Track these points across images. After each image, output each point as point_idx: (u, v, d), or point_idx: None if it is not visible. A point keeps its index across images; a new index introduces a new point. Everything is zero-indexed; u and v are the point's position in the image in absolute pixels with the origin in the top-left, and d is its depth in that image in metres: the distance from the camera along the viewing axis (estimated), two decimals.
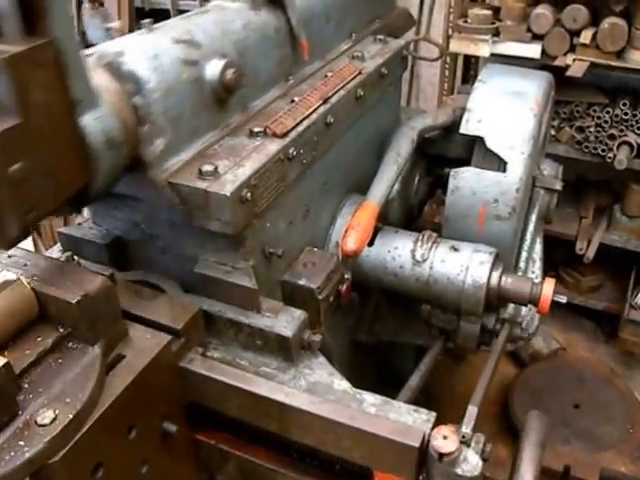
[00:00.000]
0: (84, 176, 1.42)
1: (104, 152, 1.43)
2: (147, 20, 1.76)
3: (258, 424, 1.59)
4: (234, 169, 1.60)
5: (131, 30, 5.25)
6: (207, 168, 1.56)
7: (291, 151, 1.75)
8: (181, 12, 6.13)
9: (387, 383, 2.64)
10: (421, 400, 2.15)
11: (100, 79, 1.48)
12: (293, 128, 1.79)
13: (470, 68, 4.57)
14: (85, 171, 1.41)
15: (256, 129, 1.76)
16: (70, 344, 1.41)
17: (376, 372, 2.90)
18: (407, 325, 2.64)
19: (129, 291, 1.63)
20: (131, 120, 1.51)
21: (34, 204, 1.29)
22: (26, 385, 1.31)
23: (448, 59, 4.18)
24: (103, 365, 1.39)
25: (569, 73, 3.43)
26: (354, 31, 2.50)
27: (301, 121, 1.84)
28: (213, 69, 1.70)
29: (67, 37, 1.30)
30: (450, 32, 3.92)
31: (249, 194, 1.57)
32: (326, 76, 2.12)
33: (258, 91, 1.94)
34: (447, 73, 4.18)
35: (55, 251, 1.93)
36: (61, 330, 1.40)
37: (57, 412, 1.26)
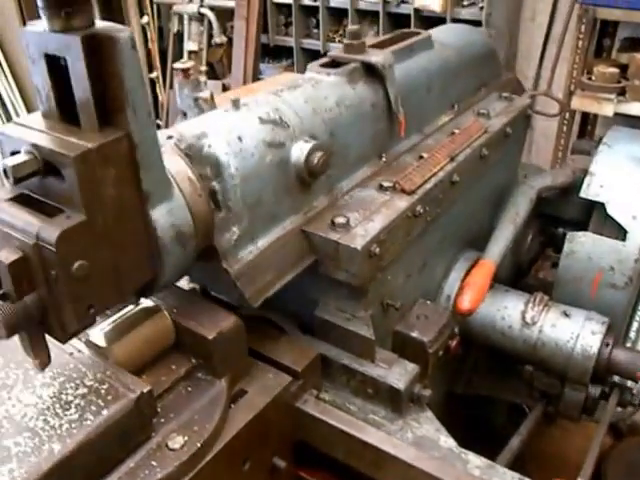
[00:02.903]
0: (150, 272, 1.37)
1: (173, 247, 1.38)
2: (235, 97, 1.69)
3: (363, 470, 1.63)
4: (364, 223, 1.66)
5: (255, 65, 5.48)
6: (340, 220, 1.64)
7: (418, 208, 1.80)
8: (304, 50, 6.37)
9: (476, 433, 2.64)
10: None
11: (176, 166, 1.44)
12: (421, 185, 1.85)
13: (587, 123, 4.52)
14: (152, 266, 1.36)
15: (385, 184, 1.82)
16: (200, 374, 1.51)
17: (465, 422, 2.89)
18: (506, 382, 2.63)
19: (253, 328, 1.71)
20: (204, 209, 1.46)
21: (95, 301, 1.26)
22: (159, 409, 1.41)
23: (567, 115, 4.15)
24: (228, 398, 1.48)
25: None
26: (457, 101, 2.40)
27: (429, 178, 1.89)
28: (299, 152, 1.63)
29: (143, 130, 1.26)
30: (572, 88, 3.89)
31: (377, 249, 1.63)
32: (453, 133, 2.17)
33: (347, 171, 1.86)
34: (564, 129, 4.14)
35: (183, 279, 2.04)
36: (193, 361, 1.51)
37: (186, 439, 1.36)
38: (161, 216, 1.34)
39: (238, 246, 1.53)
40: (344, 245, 1.59)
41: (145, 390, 1.30)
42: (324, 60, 2.00)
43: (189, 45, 6.10)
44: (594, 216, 2.41)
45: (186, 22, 6.12)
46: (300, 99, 1.75)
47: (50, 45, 1.19)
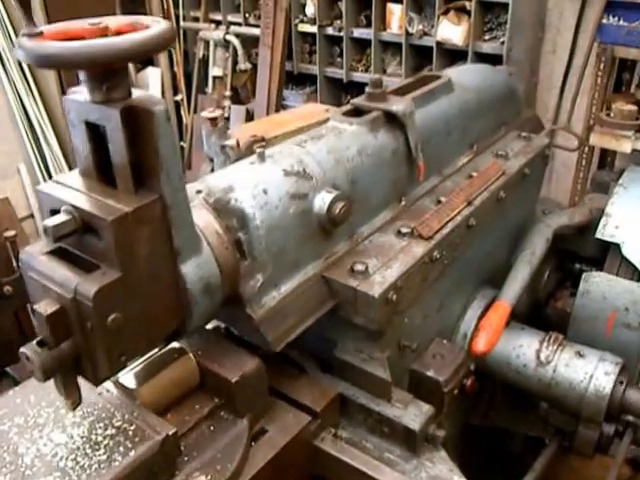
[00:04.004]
0: (178, 320, 1.45)
1: (201, 297, 1.45)
2: (260, 150, 1.73)
3: None
4: (382, 270, 1.72)
5: (279, 92, 5.59)
6: (358, 267, 1.70)
7: (435, 254, 1.85)
8: (327, 78, 6.47)
9: (493, 462, 2.68)
10: None
11: (205, 219, 1.52)
12: (438, 230, 1.90)
13: (607, 155, 4.55)
14: (180, 315, 1.44)
15: (404, 230, 1.88)
16: (222, 414, 1.58)
17: (483, 450, 2.92)
18: (522, 416, 2.66)
19: (274, 367, 1.77)
20: (231, 260, 1.52)
21: (127, 349, 1.34)
22: (183, 447, 1.47)
23: (586, 148, 4.19)
24: (249, 437, 1.54)
25: None
26: (476, 141, 2.43)
27: (446, 223, 1.94)
28: (322, 202, 1.69)
29: (175, 193, 1.34)
30: (591, 122, 3.93)
31: (394, 296, 1.69)
32: (471, 176, 2.22)
33: (367, 216, 1.92)
34: (584, 162, 4.17)
35: None
36: (216, 400, 1.57)
37: (209, 477, 1.42)
38: (190, 270, 1.42)
39: (262, 292, 1.59)
40: (362, 292, 1.65)
41: (170, 432, 1.36)
42: (347, 108, 2.05)
43: (214, 71, 6.24)
44: (609, 256, 2.46)
45: (212, 48, 6.26)
46: (323, 150, 1.81)
47: (91, 114, 1.27)
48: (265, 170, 1.69)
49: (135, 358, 1.49)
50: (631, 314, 2.31)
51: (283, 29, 5.59)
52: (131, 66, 7.02)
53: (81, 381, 1.49)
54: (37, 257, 1.32)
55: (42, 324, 1.25)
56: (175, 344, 1.60)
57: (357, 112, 2.01)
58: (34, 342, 1.27)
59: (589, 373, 2.17)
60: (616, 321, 2.34)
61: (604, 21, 3.81)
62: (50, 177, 5.85)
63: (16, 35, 5.64)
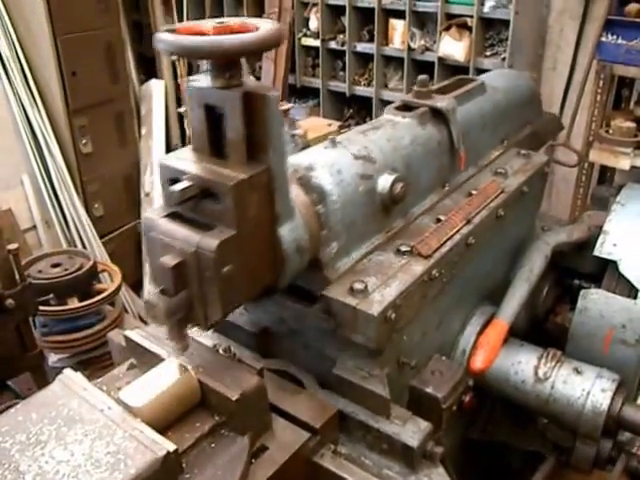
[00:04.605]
0: (275, 275, 1.67)
1: (293, 256, 1.66)
2: (332, 137, 2.02)
3: None
4: (381, 288, 1.76)
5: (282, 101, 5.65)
6: (358, 286, 1.73)
7: (434, 272, 1.88)
8: (330, 92, 6.52)
9: (492, 474, 2.69)
10: None
11: (295, 192, 1.73)
12: (437, 249, 1.93)
13: (607, 170, 4.58)
14: (276, 271, 1.66)
15: (403, 248, 1.91)
16: (223, 431, 1.59)
17: (482, 464, 2.93)
18: (521, 430, 2.67)
19: (274, 383, 1.80)
20: (315, 227, 1.75)
21: (234, 298, 1.57)
22: (184, 465, 1.49)
23: (586, 164, 4.21)
24: (249, 455, 1.56)
25: None
26: (506, 137, 2.67)
27: (445, 242, 1.97)
28: (384, 183, 1.92)
29: (279, 166, 1.56)
30: (591, 138, 3.96)
31: (393, 315, 1.72)
32: (470, 194, 2.26)
33: (418, 198, 2.15)
34: (583, 178, 4.20)
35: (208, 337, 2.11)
36: (217, 418, 1.59)
37: None
38: (286, 232, 1.63)
39: (336, 258, 1.82)
40: (361, 311, 1.68)
41: (172, 449, 1.38)
42: (398, 104, 2.30)
43: None
44: (607, 273, 2.48)
45: None
46: (383, 138, 2.07)
47: (211, 98, 1.49)
48: (337, 154, 1.93)
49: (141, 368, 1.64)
50: (628, 331, 2.33)
51: (286, 43, 5.64)
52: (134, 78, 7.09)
53: (84, 399, 1.53)
54: (158, 219, 1.53)
55: (165, 276, 1.47)
56: (177, 361, 1.62)
57: (406, 107, 2.26)
58: (156, 291, 1.50)
59: (586, 390, 2.19)
60: (613, 338, 2.36)
61: (603, 39, 3.85)
62: (53, 189, 5.88)
63: (21, 47, 5.70)
